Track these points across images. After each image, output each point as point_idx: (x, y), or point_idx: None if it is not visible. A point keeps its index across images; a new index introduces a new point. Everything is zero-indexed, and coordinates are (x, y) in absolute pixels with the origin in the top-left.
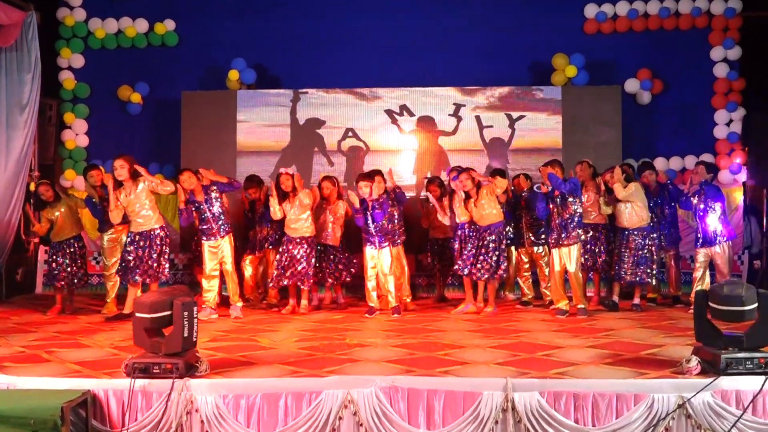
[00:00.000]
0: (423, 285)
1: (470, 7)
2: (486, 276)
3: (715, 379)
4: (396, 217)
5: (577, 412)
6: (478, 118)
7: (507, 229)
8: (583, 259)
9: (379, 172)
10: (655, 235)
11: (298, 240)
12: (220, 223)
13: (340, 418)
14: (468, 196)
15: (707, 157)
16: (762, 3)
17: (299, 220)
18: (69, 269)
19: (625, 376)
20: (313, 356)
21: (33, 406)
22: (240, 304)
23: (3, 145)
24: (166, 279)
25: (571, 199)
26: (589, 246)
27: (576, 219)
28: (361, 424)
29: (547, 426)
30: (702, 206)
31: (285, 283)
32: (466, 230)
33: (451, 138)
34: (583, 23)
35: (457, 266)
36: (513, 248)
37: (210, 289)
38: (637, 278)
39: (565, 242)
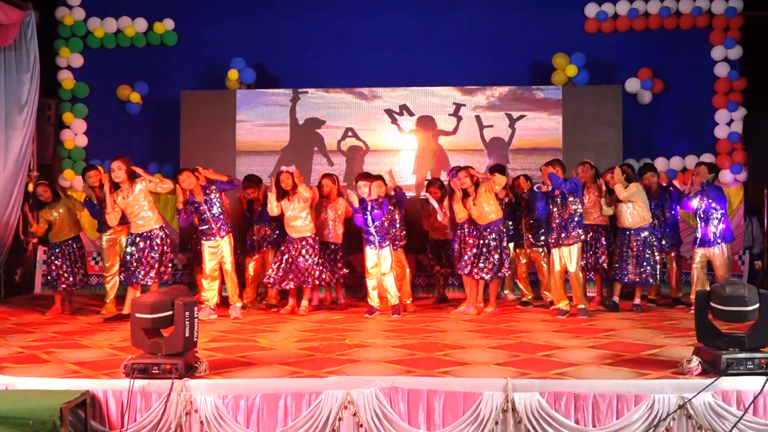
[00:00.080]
0: (423, 285)
1: (470, 7)
2: (490, 276)
3: (715, 380)
4: (397, 220)
5: (577, 413)
6: (478, 117)
7: (508, 223)
8: (583, 262)
9: (379, 178)
10: (656, 236)
11: (299, 240)
12: (220, 223)
13: (340, 419)
14: (466, 194)
15: (708, 157)
16: (763, 2)
17: (298, 219)
18: (68, 271)
19: (626, 376)
20: (313, 357)
21: (32, 407)
22: (239, 304)
23: (2, 144)
24: (165, 279)
25: (571, 199)
26: (589, 247)
27: (576, 219)
28: (361, 425)
29: (548, 426)
30: (703, 207)
31: (287, 286)
32: (466, 230)
33: (451, 138)
34: (584, 22)
35: (459, 267)
36: (512, 247)
37: (210, 289)
38: (639, 279)
39: (566, 242)
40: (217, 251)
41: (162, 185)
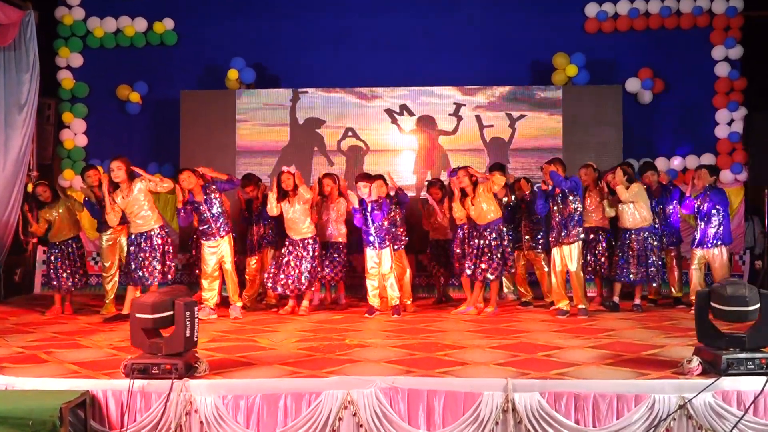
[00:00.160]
0: (423, 285)
1: (470, 7)
2: (494, 275)
3: (716, 380)
4: (398, 221)
5: (577, 413)
6: (478, 117)
7: (510, 226)
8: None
9: (380, 177)
10: (657, 235)
11: (300, 241)
12: (220, 223)
13: (340, 419)
14: (464, 194)
15: (708, 157)
16: (763, 2)
17: (298, 221)
18: (67, 271)
19: (626, 376)
20: (313, 357)
21: (31, 407)
22: (239, 304)
23: (1, 144)
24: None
25: (571, 197)
26: (589, 250)
27: (576, 217)
28: (361, 425)
29: (548, 427)
30: (705, 209)
31: (286, 291)
32: (466, 232)
33: (452, 138)
34: (584, 22)
35: (460, 269)
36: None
37: (210, 289)
38: (641, 278)
39: (566, 240)
40: (217, 251)
41: (162, 185)
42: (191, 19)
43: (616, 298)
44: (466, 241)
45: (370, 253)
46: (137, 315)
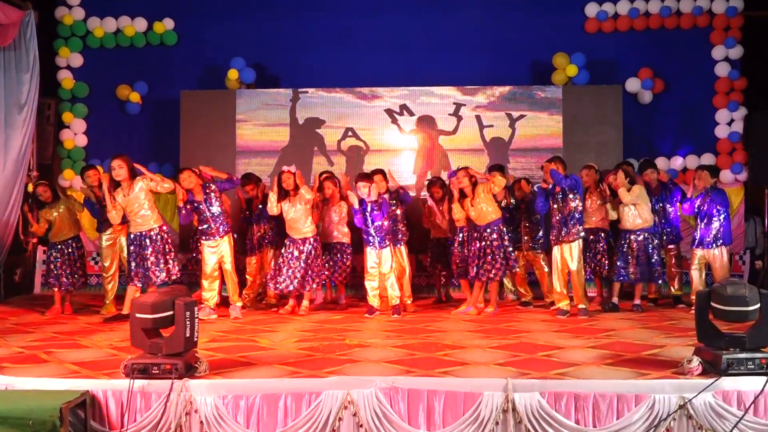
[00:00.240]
0: (423, 285)
1: (470, 7)
2: (497, 275)
3: (716, 380)
4: (399, 216)
5: (577, 413)
6: (478, 117)
7: (510, 227)
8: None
9: (379, 171)
10: (657, 235)
11: (301, 241)
12: (219, 223)
13: (340, 419)
14: (464, 195)
15: (708, 157)
16: (763, 2)
17: (299, 220)
18: (67, 270)
19: (626, 376)
20: (313, 357)
21: (31, 407)
22: (239, 303)
23: (1, 144)
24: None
25: (571, 196)
26: (589, 250)
27: (576, 216)
28: (361, 425)
29: (548, 427)
30: (706, 209)
31: (287, 289)
32: (465, 234)
33: (452, 137)
34: (584, 22)
35: (461, 271)
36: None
37: (210, 289)
38: (640, 277)
39: (566, 239)
40: (217, 251)
41: (163, 185)
42: (191, 19)
43: (615, 299)
44: (466, 244)
45: (370, 253)
46: (137, 315)
